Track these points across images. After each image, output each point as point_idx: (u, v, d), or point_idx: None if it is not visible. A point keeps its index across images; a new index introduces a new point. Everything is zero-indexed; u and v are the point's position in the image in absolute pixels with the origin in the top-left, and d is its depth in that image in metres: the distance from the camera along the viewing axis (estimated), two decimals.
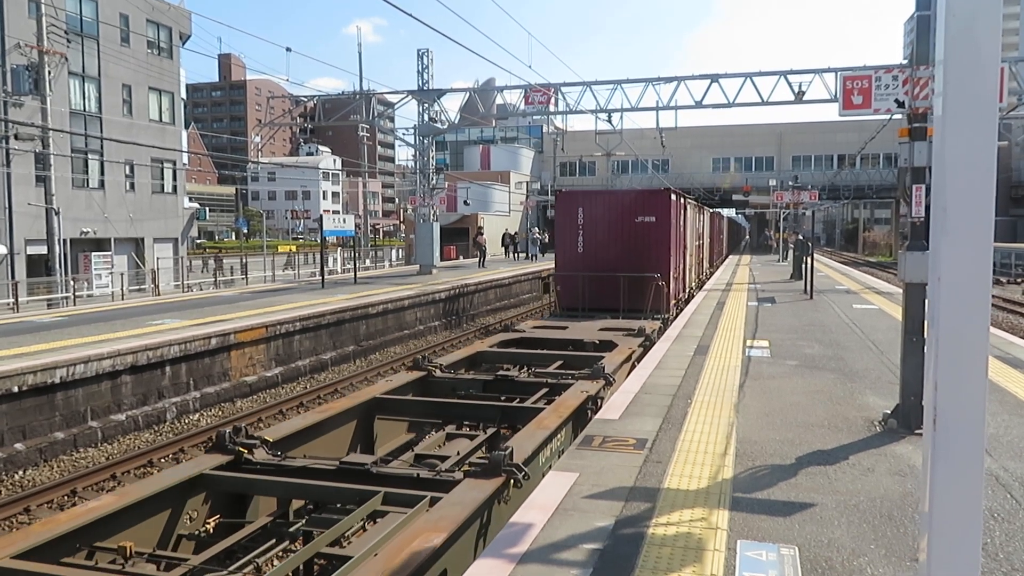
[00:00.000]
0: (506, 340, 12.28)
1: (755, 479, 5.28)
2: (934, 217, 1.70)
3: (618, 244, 15.66)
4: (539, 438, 6.38)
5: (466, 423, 8.39)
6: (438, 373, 9.50)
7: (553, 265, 17.16)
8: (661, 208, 15.67)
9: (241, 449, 6.16)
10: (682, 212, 17.92)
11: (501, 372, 9.81)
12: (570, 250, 16.10)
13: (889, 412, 6.68)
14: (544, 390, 8.83)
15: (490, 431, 7.91)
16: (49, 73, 25.19)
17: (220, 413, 12.93)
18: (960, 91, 1.64)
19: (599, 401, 8.01)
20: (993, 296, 24.34)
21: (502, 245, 44.25)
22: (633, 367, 9.98)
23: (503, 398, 8.94)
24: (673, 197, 16.06)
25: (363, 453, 7.67)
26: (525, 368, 10.42)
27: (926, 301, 6.67)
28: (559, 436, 6.89)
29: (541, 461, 6.32)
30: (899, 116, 7.19)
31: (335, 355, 16.77)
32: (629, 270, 15.28)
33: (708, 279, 26.13)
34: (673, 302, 16.43)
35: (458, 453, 6.82)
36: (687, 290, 19.63)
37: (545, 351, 11.50)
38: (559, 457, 6.17)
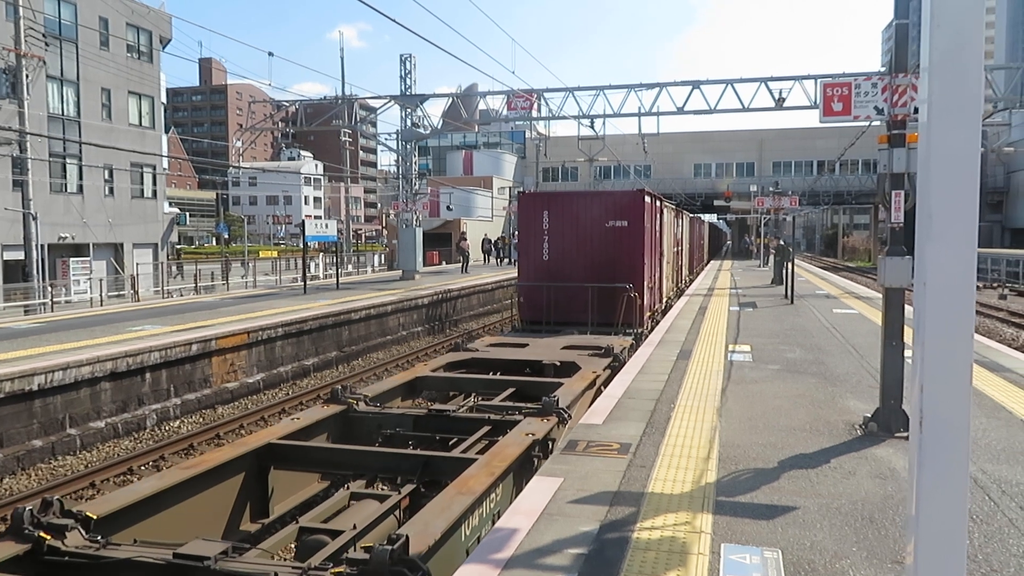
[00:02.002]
0: (454, 361, 10.81)
1: (738, 483, 5.31)
2: (920, 223, 1.72)
3: (587, 251, 14.38)
4: (457, 510, 4.91)
5: (382, 477, 7.04)
6: (361, 407, 7.93)
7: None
8: (634, 211, 14.38)
9: (43, 535, 4.44)
10: (658, 216, 16.84)
11: (436, 406, 8.53)
12: (534, 258, 14.75)
13: (869, 416, 6.74)
14: (485, 428, 7.47)
15: (408, 488, 6.38)
16: (27, 76, 24.91)
17: (201, 420, 12.82)
18: (945, 98, 1.66)
19: (549, 444, 6.80)
20: None
21: (482, 251, 43.09)
22: (599, 393, 8.85)
23: (438, 437, 7.65)
24: (647, 199, 14.83)
25: (253, 519, 6.39)
26: (473, 396, 9.23)
27: (905, 305, 6.76)
28: (492, 497, 5.55)
29: (464, 534, 5.03)
30: (878, 123, 7.28)
31: (317, 361, 16.68)
32: (600, 280, 14.04)
33: (688, 286, 26.13)
34: (648, 314, 15.26)
35: (354, 527, 5.36)
36: (664, 300, 18.57)
37: (497, 375, 10.18)
38: (492, 524, 5.01)
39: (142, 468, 10.16)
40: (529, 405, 7.87)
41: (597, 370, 9.92)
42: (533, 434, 6.63)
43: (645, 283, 14.63)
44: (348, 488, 6.61)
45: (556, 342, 12.28)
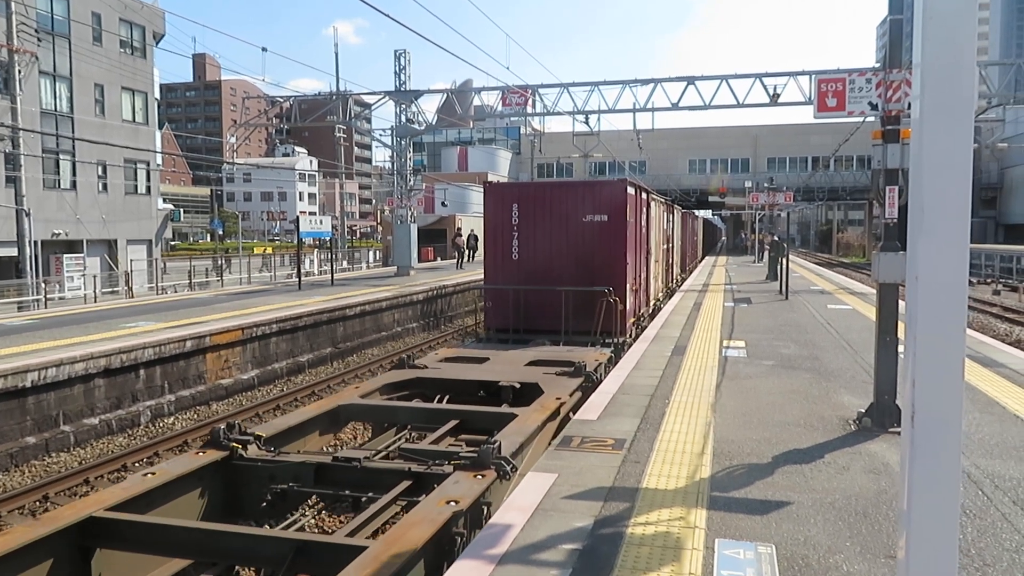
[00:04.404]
0: (394, 383, 9.07)
1: (733, 478, 5.32)
2: (912, 217, 1.72)
3: (563, 250, 12.92)
4: None
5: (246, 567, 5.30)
6: (251, 451, 6.18)
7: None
8: (615, 204, 12.85)
9: None
10: (644, 209, 15.30)
11: (345, 452, 6.94)
12: (503, 257, 13.28)
13: (863, 411, 6.76)
14: (406, 483, 5.85)
15: None
16: (19, 72, 24.81)
17: (195, 416, 12.80)
18: (937, 93, 1.66)
19: (484, 508, 5.29)
20: None
21: (467, 247, 37.75)
22: (564, 423, 7.31)
23: (347, 492, 6.01)
24: (631, 191, 13.32)
25: None
26: (408, 430, 7.79)
27: (899, 301, 6.77)
28: None
29: None
30: (872, 119, 7.29)
31: (312, 357, 16.66)
32: (577, 282, 12.58)
33: (681, 284, 25.95)
34: (632, 320, 13.85)
35: None
36: (652, 303, 17.13)
37: (443, 401, 8.65)
38: None
39: (136, 465, 10.14)
40: (465, 451, 6.31)
41: (563, 396, 8.21)
42: (456, 502, 4.98)
43: (628, 285, 13.20)
44: None
45: (522, 356, 10.73)
